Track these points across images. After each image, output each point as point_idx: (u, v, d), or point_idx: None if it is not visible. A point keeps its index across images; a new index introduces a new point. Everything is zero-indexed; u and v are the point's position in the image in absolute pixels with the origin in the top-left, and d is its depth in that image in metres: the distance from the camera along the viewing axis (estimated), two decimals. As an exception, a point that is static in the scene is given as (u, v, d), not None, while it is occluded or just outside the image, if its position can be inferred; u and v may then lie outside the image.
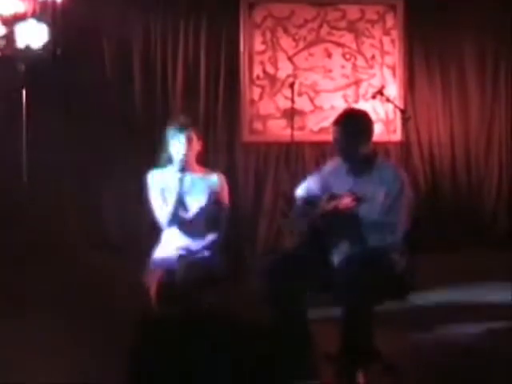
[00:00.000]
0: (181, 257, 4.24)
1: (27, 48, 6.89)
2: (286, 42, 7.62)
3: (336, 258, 3.88)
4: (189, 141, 4.28)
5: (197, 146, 4.34)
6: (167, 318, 3.66)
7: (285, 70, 7.61)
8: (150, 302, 4.05)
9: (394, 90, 7.61)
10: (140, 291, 4.22)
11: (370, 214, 3.76)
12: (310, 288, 3.88)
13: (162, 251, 4.35)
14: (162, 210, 4.29)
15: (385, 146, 7.42)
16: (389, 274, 3.75)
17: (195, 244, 4.31)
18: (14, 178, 6.92)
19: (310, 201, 4.10)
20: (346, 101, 7.64)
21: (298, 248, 4.36)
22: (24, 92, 6.87)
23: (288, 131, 7.23)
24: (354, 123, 3.95)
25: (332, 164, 4.22)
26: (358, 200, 3.70)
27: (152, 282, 4.10)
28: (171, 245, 4.33)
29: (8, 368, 3.99)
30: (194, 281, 4.04)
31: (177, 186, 4.25)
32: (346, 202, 3.76)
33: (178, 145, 4.29)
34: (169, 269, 4.14)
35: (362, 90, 7.67)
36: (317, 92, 7.63)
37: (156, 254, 4.37)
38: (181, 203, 4.29)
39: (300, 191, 4.26)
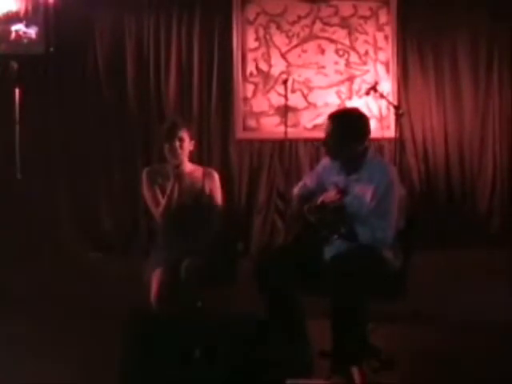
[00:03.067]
0: (182, 255, 4.23)
1: (20, 46, 6.88)
2: (279, 38, 7.60)
3: (327, 255, 3.89)
4: (180, 140, 4.30)
5: (189, 145, 4.36)
6: (164, 317, 3.67)
7: (278, 66, 7.60)
8: (149, 301, 4.05)
9: (387, 86, 7.61)
10: (138, 290, 4.24)
11: (360, 211, 3.77)
12: (303, 284, 3.89)
13: (161, 249, 4.35)
14: (156, 206, 4.31)
15: (378, 142, 7.42)
16: (381, 272, 3.75)
17: (193, 242, 4.29)
18: (7, 176, 6.93)
19: (306, 197, 4.11)
20: (340, 97, 7.63)
21: (291, 244, 4.37)
22: (17, 90, 6.86)
23: (281, 128, 7.22)
24: (345, 122, 3.95)
25: (325, 161, 4.22)
26: (342, 193, 3.71)
27: (153, 282, 4.09)
28: (169, 243, 4.33)
29: (5, 369, 4.00)
30: (197, 280, 4.04)
31: (171, 183, 4.27)
32: (331, 195, 3.77)
33: (170, 144, 4.30)
34: (170, 268, 4.14)
35: (355, 87, 7.66)
36: (310, 89, 7.62)
37: (155, 252, 4.37)
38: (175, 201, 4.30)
39: (297, 189, 4.27)
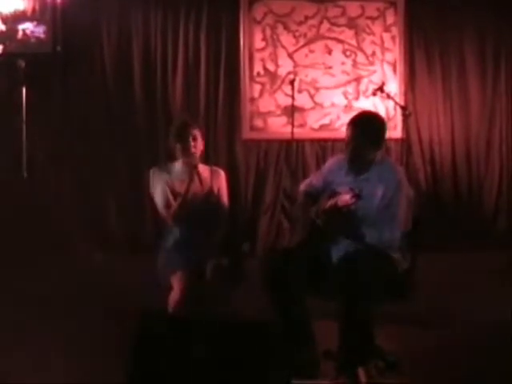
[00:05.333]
0: (202, 257, 4.20)
1: (27, 45, 6.88)
2: (286, 38, 7.60)
3: (335, 256, 3.88)
4: (194, 139, 4.27)
5: (200, 145, 4.33)
6: (168, 318, 3.66)
7: (285, 66, 7.59)
8: (166, 303, 4.01)
9: (394, 86, 7.60)
10: (142, 291, 4.23)
11: (369, 212, 3.76)
12: (310, 285, 3.88)
13: (174, 250, 4.33)
14: (166, 207, 4.26)
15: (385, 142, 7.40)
16: (389, 273, 3.75)
17: (205, 242, 4.27)
18: (13, 175, 6.94)
19: (312, 196, 4.10)
20: (347, 98, 7.63)
21: (298, 245, 4.35)
22: (24, 89, 6.87)
23: (288, 128, 7.22)
24: (368, 129, 3.93)
25: (332, 161, 4.22)
26: (358, 197, 3.68)
27: (174, 285, 4.05)
28: (181, 244, 4.31)
29: (7, 368, 4.00)
30: (223, 281, 4.03)
31: (185, 182, 4.24)
32: (346, 198, 3.74)
33: (184, 143, 4.26)
34: (193, 269, 4.11)
35: (362, 87, 7.65)
36: (317, 89, 7.61)
37: (167, 253, 4.35)
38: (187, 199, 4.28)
39: (303, 186, 4.26)
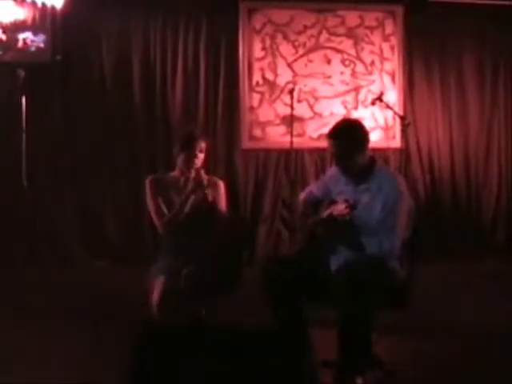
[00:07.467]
0: (184, 264, 4.22)
1: (28, 54, 6.90)
2: (285, 48, 7.62)
3: (333, 265, 3.89)
4: (201, 152, 4.31)
5: (203, 157, 4.37)
6: (168, 325, 3.66)
7: (284, 76, 7.61)
8: (150, 308, 4.04)
9: (393, 96, 7.62)
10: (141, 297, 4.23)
11: (368, 221, 3.76)
12: (309, 294, 3.88)
13: (164, 258, 4.34)
14: (159, 216, 4.28)
15: (384, 152, 7.42)
16: (388, 282, 3.74)
17: (197, 251, 4.28)
18: (14, 184, 6.94)
19: (312, 204, 4.11)
20: (346, 107, 7.64)
21: (297, 255, 4.36)
22: (24, 98, 6.89)
23: (287, 138, 7.22)
24: (346, 136, 3.94)
25: (332, 171, 4.23)
26: (352, 207, 3.70)
27: (155, 289, 4.08)
28: (173, 252, 4.32)
29: (8, 369, 3.99)
30: (196, 289, 4.03)
31: (185, 195, 4.26)
32: (340, 208, 3.76)
33: (188, 155, 4.29)
34: (171, 276, 4.13)
35: (361, 97, 7.67)
36: (316, 98, 7.63)
37: (159, 260, 4.35)
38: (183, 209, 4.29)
39: (303, 195, 4.27)
